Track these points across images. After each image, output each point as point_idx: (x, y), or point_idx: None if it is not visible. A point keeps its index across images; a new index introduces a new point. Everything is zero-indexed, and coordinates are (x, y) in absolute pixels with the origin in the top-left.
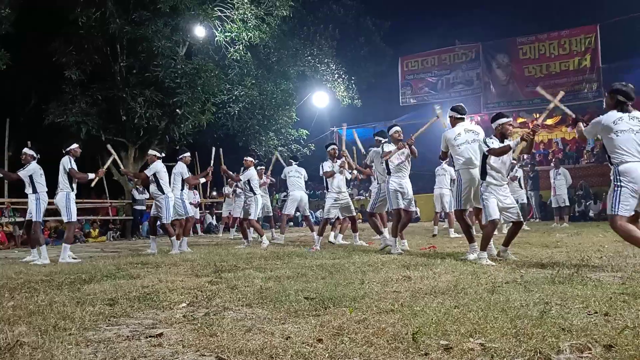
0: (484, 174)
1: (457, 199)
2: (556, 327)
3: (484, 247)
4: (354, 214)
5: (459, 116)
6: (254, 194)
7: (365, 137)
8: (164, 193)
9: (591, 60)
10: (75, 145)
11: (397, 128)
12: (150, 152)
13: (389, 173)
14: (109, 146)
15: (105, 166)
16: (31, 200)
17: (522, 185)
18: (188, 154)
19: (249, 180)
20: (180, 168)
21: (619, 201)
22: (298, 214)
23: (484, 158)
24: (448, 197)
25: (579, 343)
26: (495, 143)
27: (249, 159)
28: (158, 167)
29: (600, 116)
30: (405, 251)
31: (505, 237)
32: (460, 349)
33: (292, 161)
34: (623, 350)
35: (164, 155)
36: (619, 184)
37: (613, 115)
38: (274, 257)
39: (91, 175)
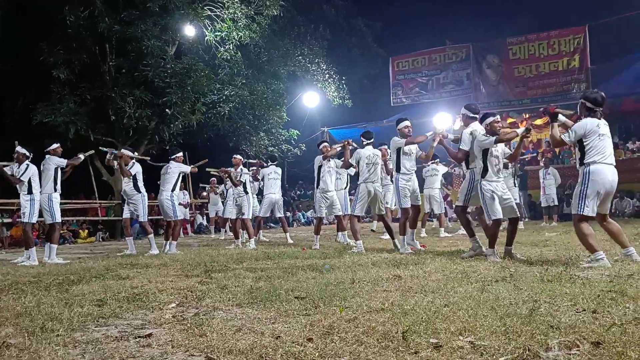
0: (485, 171)
1: (463, 196)
2: (545, 325)
3: (492, 245)
4: (340, 213)
5: (472, 115)
6: (246, 193)
7: (356, 137)
8: (139, 192)
9: (580, 61)
10: (56, 145)
11: (407, 123)
12: (124, 151)
13: (398, 171)
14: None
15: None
16: (25, 200)
17: (516, 183)
18: (180, 153)
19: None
20: (178, 167)
21: (584, 201)
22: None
23: (484, 154)
24: (438, 198)
25: (568, 340)
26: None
27: (238, 157)
28: (139, 168)
29: (584, 119)
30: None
31: (506, 237)
32: (450, 347)
33: (269, 162)
34: (611, 347)
35: (136, 154)
36: (586, 184)
37: (594, 120)
38: (264, 257)
39: (81, 156)
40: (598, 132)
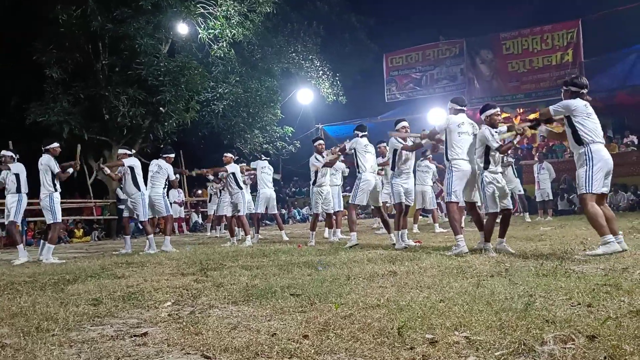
0: (487, 163)
1: (448, 190)
2: (540, 319)
3: (487, 238)
4: (331, 211)
5: (459, 107)
6: (240, 188)
7: (350, 134)
8: (139, 190)
9: (573, 55)
10: (55, 144)
11: (405, 123)
12: (120, 150)
13: (393, 168)
14: (78, 146)
15: (77, 157)
16: (12, 200)
17: (515, 174)
18: (173, 154)
19: (234, 175)
20: (166, 166)
21: (592, 179)
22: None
23: (487, 148)
24: (430, 194)
25: (563, 334)
26: (496, 136)
27: (229, 155)
28: (134, 162)
29: (569, 100)
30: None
31: (499, 229)
32: (445, 342)
33: (263, 156)
34: (606, 341)
35: (134, 151)
36: (590, 163)
37: (581, 100)
38: (260, 255)
39: (70, 170)
40: (586, 111)
